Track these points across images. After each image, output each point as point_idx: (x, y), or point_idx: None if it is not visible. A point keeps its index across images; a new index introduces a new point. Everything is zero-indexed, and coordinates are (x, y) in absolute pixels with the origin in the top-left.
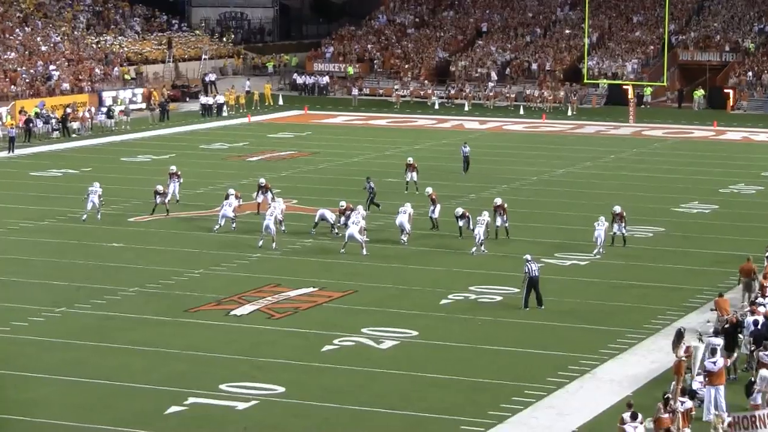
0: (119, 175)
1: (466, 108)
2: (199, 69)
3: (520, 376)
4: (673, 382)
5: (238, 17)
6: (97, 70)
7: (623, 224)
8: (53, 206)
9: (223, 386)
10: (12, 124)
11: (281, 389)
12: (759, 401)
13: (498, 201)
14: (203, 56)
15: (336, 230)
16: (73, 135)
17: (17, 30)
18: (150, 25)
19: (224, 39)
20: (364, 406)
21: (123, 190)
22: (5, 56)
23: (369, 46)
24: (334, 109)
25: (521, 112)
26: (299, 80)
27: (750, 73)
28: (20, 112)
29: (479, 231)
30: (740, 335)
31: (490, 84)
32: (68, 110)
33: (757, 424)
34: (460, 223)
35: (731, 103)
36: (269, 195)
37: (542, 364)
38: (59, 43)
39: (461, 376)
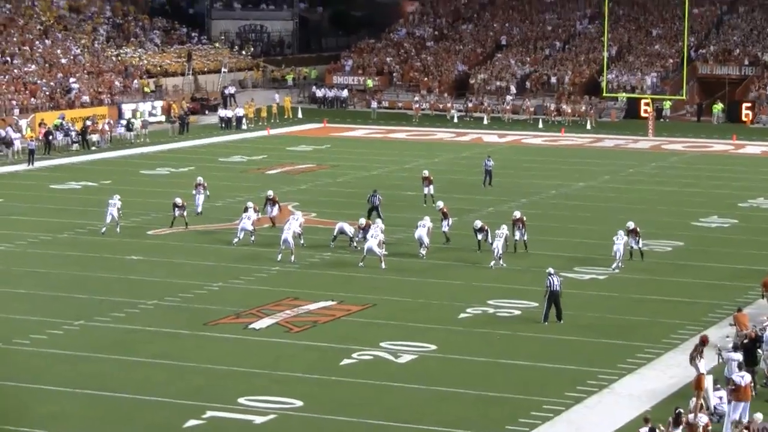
0: (138, 187)
1: (485, 121)
2: (218, 82)
3: (539, 391)
4: (693, 398)
5: (257, 30)
6: (116, 83)
7: (638, 239)
8: (72, 219)
9: (241, 400)
10: (32, 137)
11: (299, 403)
12: None
13: (517, 214)
14: (223, 69)
15: (355, 244)
16: (93, 147)
17: (37, 42)
18: (170, 37)
19: (244, 52)
20: (381, 419)
21: (142, 202)
22: (25, 68)
23: (388, 59)
24: (353, 122)
25: (540, 125)
26: (318, 93)
27: None
28: (40, 124)
29: (498, 244)
30: (759, 350)
31: (508, 97)
32: (88, 123)
33: None
34: (479, 237)
35: (746, 120)
36: (276, 208)
37: (561, 378)
38: (79, 56)
39: (479, 390)
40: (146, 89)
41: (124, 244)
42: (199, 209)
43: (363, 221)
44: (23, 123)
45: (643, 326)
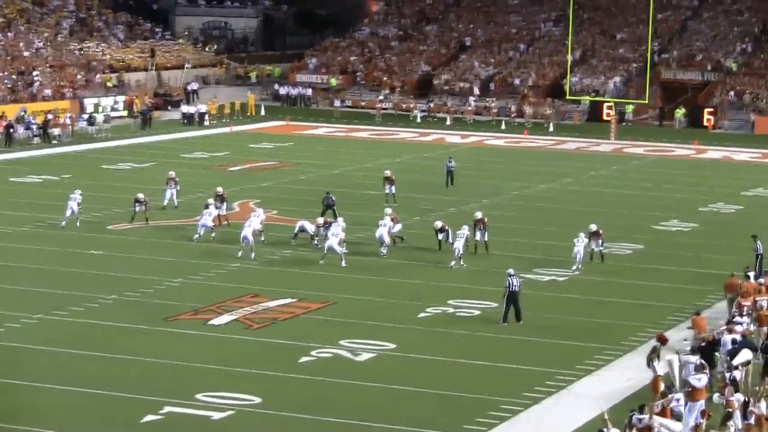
0: (99, 182)
1: (448, 122)
2: (181, 78)
3: (497, 391)
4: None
5: (221, 27)
6: (79, 77)
7: (600, 241)
8: (32, 212)
9: (199, 395)
10: None
11: (257, 399)
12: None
13: (478, 215)
14: (186, 65)
15: (316, 241)
16: (54, 141)
17: None
18: (133, 32)
19: (207, 48)
20: (340, 418)
21: (103, 197)
22: None
23: (352, 58)
24: (316, 120)
25: (503, 126)
26: (281, 91)
27: (732, 93)
28: (0, 117)
29: (458, 245)
30: (716, 354)
31: (471, 98)
32: (49, 116)
33: None
34: (440, 237)
35: (708, 125)
36: (224, 206)
37: (519, 378)
38: (42, 49)
39: (437, 389)
40: (109, 84)
41: (84, 239)
42: (167, 202)
43: (321, 220)
44: None
45: (602, 328)
